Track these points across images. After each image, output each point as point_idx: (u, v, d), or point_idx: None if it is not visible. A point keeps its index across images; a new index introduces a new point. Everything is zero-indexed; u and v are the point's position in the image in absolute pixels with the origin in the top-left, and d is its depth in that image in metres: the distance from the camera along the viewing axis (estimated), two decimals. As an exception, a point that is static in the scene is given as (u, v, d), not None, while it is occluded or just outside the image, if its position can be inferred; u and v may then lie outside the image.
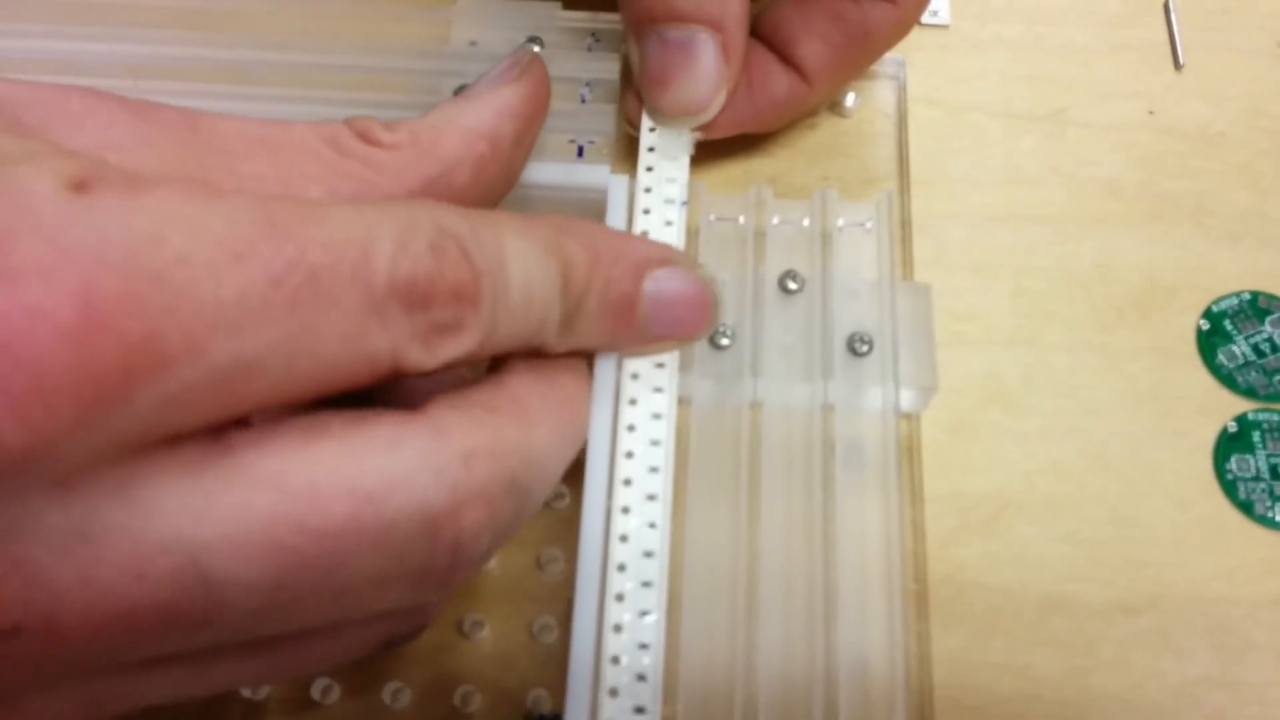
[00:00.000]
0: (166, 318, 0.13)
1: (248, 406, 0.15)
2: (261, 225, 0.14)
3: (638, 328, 0.20)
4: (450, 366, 0.17)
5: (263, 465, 0.15)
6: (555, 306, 0.19)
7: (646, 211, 0.25)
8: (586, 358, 0.22)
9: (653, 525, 0.22)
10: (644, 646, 0.21)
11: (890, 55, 0.29)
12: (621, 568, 0.22)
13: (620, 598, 0.21)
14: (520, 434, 0.18)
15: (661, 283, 0.20)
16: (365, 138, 0.19)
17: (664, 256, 0.21)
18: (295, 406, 0.16)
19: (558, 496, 0.25)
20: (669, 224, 0.25)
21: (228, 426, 0.15)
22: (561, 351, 0.20)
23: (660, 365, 0.23)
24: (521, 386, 0.19)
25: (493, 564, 0.24)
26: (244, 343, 0.14)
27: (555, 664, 0.23)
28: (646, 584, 0.22)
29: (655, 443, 0.23)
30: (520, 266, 0.18)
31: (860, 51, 0.26)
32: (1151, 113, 0.29)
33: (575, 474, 0.24)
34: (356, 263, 0.15)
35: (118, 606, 0.14)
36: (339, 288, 0.15)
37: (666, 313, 0.21)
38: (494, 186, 0.21)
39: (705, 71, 0.25)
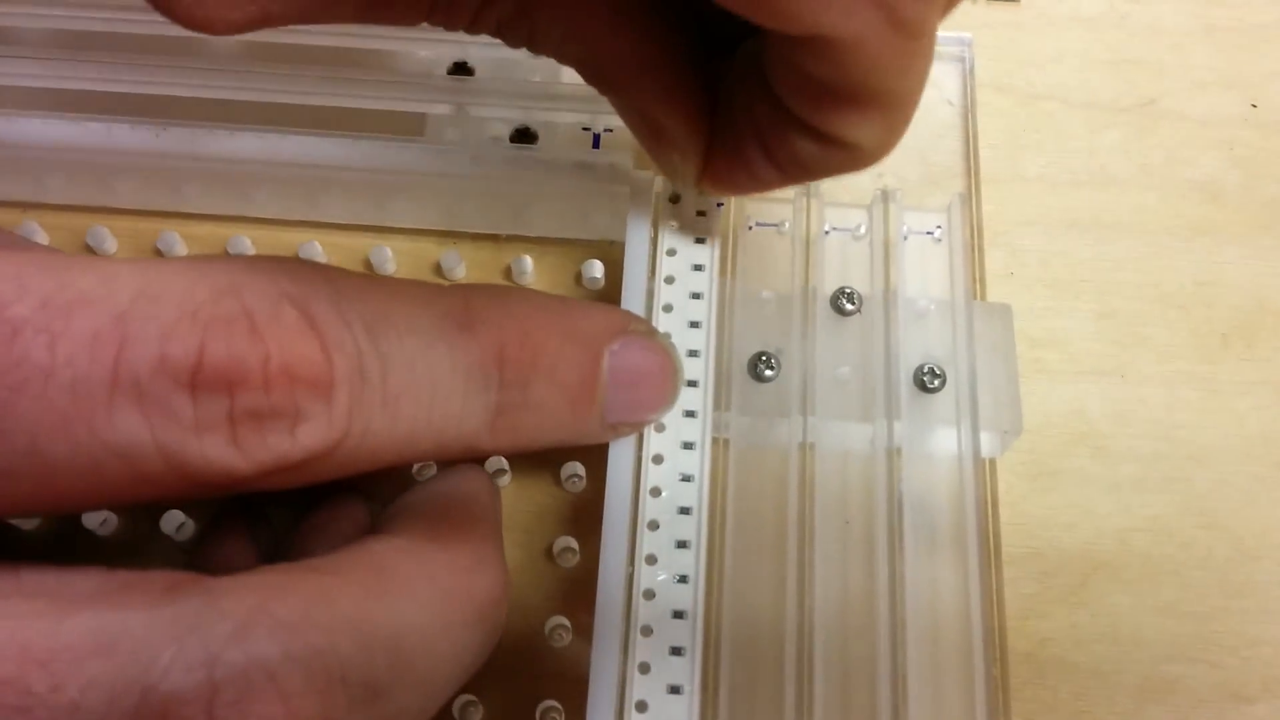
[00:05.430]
0: None
1: None
2: None
3: (596, 413, 0.17)
4: (290, 470, 0.14)
5: None
6: (475, 398, 0.15)
7: (674, 225, 0.21)
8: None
9: (683, 579, 0.19)
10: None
11: (956, 33, 0.25)
12: (647, 631, 0.18)
13: (645, 668, 0.18)
14: (360, 605, 0.14)
15: (620, 357, 0.17)
16: None
17: (620, 324, 0.17)
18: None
19: (564, 550, 0.21)
20: (699, 241, 0.21)
21: None
22: (498, 450, 0.17)
23: (693, 384, 0.20)
24: (391, 548, 0.15)
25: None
26: None
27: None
28: (676, 650, 0.18)
29: (686, 478, 0.19)
30: (411, 346, 0.15)
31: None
32: (1255, 105, 0.26)
33: (586, 522, 0.21)
34: (103, 324, 0.12)
35: None
36: (58, 350, 0.12)
37: (627, 394, 0.17)
38: None
39: None
